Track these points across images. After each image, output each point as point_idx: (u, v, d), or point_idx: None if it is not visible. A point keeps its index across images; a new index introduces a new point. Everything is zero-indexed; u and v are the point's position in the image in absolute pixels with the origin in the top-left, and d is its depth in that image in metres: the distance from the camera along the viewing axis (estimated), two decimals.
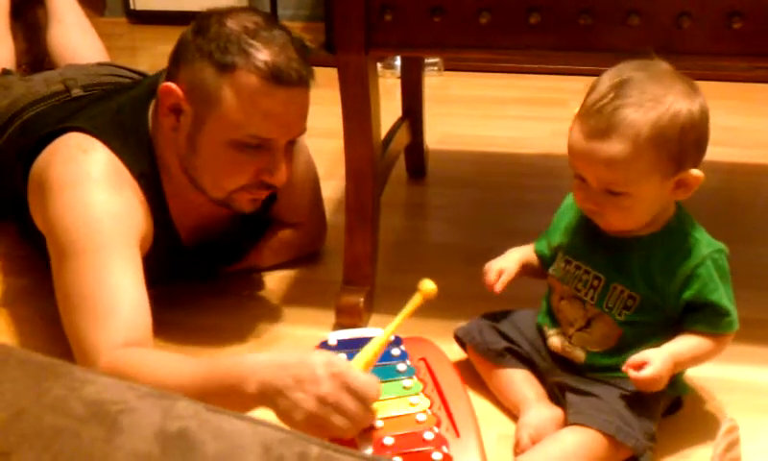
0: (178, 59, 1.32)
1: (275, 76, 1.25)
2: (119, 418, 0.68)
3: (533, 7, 1.32)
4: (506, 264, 1.30)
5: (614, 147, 1.09)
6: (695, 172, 1.12)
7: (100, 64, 1.90)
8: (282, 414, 1.02)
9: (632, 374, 1.12)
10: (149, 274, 1.46)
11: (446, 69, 2.90)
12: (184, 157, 1.34)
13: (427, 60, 2.62)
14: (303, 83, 1.29)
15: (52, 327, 1.42)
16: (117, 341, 1.17)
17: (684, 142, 1.10)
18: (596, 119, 1.10)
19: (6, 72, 1.94)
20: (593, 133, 1.10)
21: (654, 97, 1.08)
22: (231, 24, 1.28)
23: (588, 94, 1.13)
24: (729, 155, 2.17)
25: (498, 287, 1.28)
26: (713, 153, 2.13)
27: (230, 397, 1.04)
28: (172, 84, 1.31)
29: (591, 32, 1.32)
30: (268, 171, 1.32)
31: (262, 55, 1.26)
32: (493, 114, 2.56)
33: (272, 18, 1.34)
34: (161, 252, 1.42)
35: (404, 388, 1.19)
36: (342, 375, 1.01)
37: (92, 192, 1.27)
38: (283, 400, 1.01)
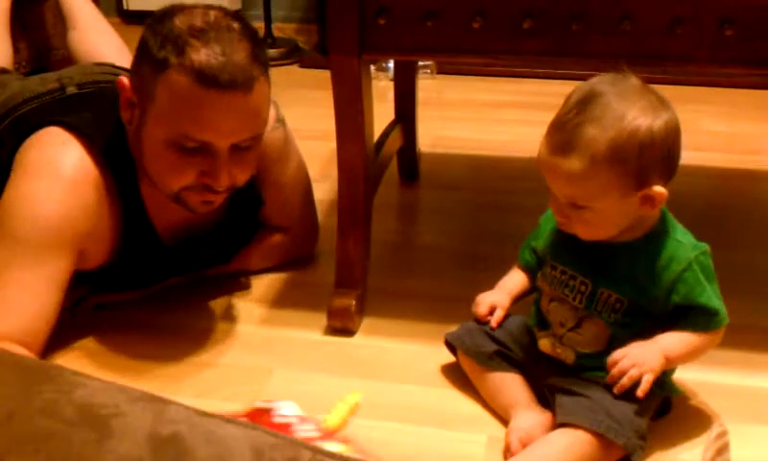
0: (135, 53, 1.33)
1: (204, 77, 1.21)
2: (110, 422, 0.68)
3: (526, 12, 1.32)
4: (498, 299, 1.32)
5: (573, 163, 1.10)
6: (658, 189, 1.12)
7: (98, 64, 1.89)
8: None
9: (617, 386, 1.14)
10: (126, 275, 1.46)
11: (439, 72, 2.90)
12: (138, 152, 1.34)
13: (420, 64, 2.62)
14: (240, 87, 1.22)
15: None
16: (2, 332, 1.23)
17: (643, 159, 1.10)
18: (559, 134, 1.12)
19: (3, 71, 1.94)
20: (555, 148, 1.12)
21: (615, 114, 1.09)
22: (179, 21, 1.26)
23: (561, 107, 1.14)
24: (721, 160, 2.18)
25: (494, 324, 1.30)
26: (704, 158, 2.17)
27: None
28: (124, 78, 1.32)
29: (584, 37, 1.32)
30: (209, 174, 1.28)
31: (197, 55, 1.22)
32: (487, 118, 2.56)
33: (236, 16, 1.30)
34: (137, 251, 1.42)
35: None
36: None
37: (50, 189, 1.29)
38: None
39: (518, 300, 1.34)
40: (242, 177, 1.33)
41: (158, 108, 1.26)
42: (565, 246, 1.22)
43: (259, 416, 1.16)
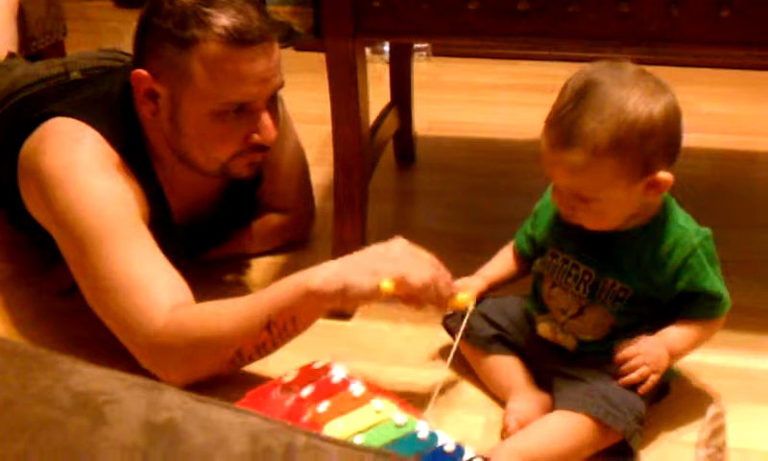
0: (141, 43, 1.33)
1: (237, 39, 1.26)
2: (105, 409, 0.67)
3: None
4: (472, 283, 1.31)
5: (575, 157, 1.09)
6: (664, 175, 1.11)
7: (104, 50, 1.89)
8: (352, 295, 1.15)
9: (624, 379, 1.15)
10: None
11: (435, 55, 2.89)
12: (171, 138, 1.35)
13: (416, 46, 2.61)
14: (267, 38, 1.29)
15: (41, 313, 1.42)
16: (166, 305, 1.21)
17: (646, 148, 1.09)
18: (559, 128, 1.11)
19: (11, 55, 1.93)
20: (556, 143, 1.11)
21: (614, 104, 1.08)
22: None
23: (557, 98, 1.13)
24: (719, 141, 2.17)
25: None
26: (703, 140, 2.16)
27: (299, 302, 1.18)
28: (141, 71, 1.31)
29: (580, 19, 1.32)
30: (255, 132, 1.33)
31: (220, 21, 1.26)
32: (483, 100, 2.55)
33: None
34: (156, 232, 1.41)
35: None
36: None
37: (91, 180, 1.28)
38: (351, 277, 1.16)
39: (499, 286, 1.33)
40: (278, 124, 1.38)
41: (196, 83, 1.27)
42: (567, 234, 1.22)
43: (316, 374, 1.20)
